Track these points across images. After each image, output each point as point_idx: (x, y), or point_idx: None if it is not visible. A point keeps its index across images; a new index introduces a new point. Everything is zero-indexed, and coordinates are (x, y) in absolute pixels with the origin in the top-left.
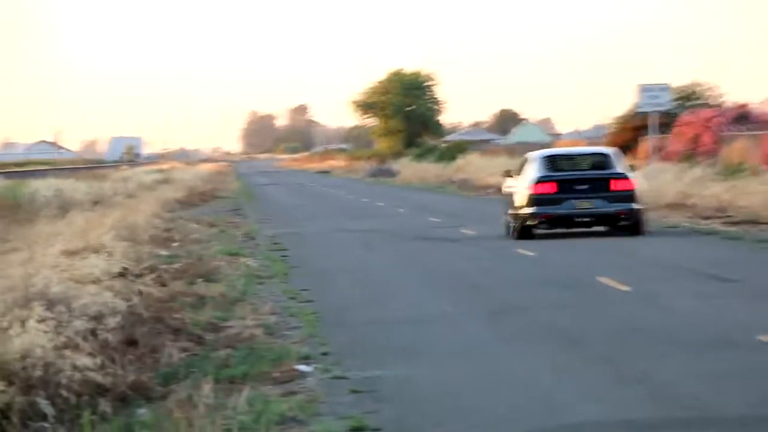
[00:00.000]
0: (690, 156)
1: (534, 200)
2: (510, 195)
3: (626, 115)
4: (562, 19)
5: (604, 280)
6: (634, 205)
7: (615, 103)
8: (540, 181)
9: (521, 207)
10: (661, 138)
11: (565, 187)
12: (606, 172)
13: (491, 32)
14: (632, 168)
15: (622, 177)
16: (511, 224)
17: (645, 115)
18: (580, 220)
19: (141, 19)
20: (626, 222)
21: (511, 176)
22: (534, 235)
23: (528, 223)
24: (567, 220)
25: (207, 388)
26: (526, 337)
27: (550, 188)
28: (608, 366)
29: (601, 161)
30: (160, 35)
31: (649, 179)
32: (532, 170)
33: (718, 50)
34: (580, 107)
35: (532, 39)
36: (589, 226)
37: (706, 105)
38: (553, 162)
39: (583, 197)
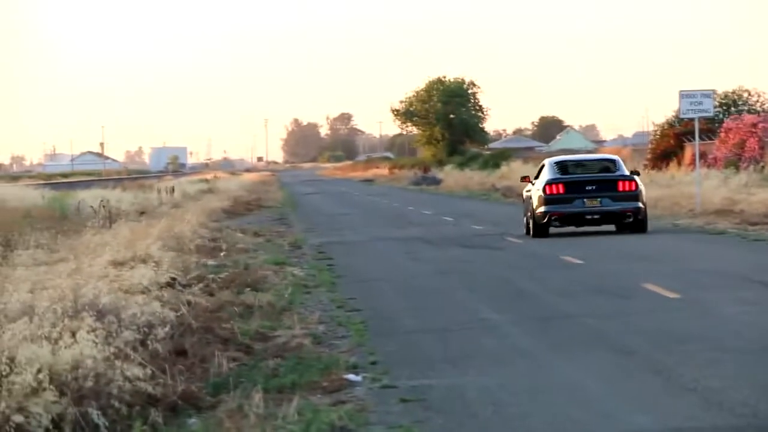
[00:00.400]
0: (735, 162)
1: (546, 200)
2: (528, 198)
3: (669, 121)
4: (607, 25)
5: (651, 286)
6: (639, 204)
7: (661, 110)
8: (550, 182)
9: (536, 207)
10: (705, 144)
11: (575, 187)
12: (613, 175)
13: (535, 38)
14: (635, 173)
15: (628, 179)
16: (530, 223)
17: (687, 121)
18: (589, 217)
19: (185, 30)
20: (631, 219)
21: (529, 181)
22: (549, 233)
23: (543, 221)
24: (577, 218)
25: (257, 397)
26: (574, 345)
27: (559, 189)
28: (658, 374)
29: (609, 166)
30: (203, 46)
31: (694, 186)
32: (545, 174)
33: (762, 56)
34: (626, 113)
35: (578, 45)
36: (598, 224)
37: (753, 111)
38: (563, 167)
39: (592, 196)
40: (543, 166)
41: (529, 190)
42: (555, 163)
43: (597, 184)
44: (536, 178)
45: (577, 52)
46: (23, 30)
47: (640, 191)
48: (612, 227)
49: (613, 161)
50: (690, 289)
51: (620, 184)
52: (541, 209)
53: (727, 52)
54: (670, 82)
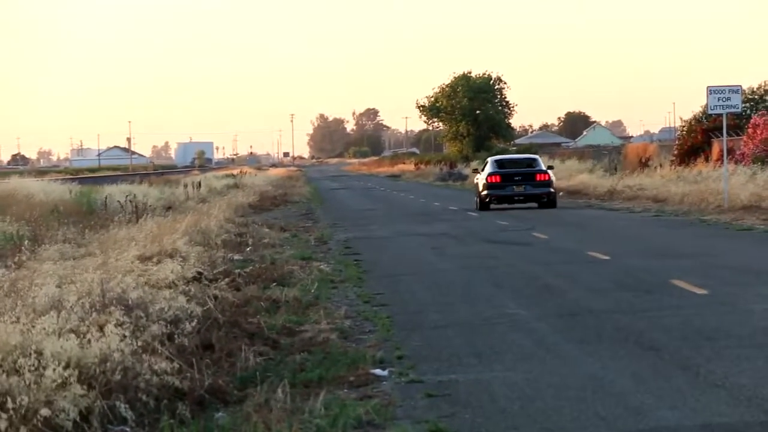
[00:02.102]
0: (763, 158)
1: (488, 186)
2: (476, 184)
3: (696, 117)
4: (634, 20)
5: (679, 282)
6: (551, 189)
7: (689, 105)
8: (491, 174)
9: (481, 191)
10: (733, 140)
11: (507, 178)
12: (533, 169)
13: (561, 34)
14: (550, 168)
15: (544, 172)
16: (477, 202)
17: (715, 117)
18: (517, 198)
19: (211, 26)
20: (545, 200)
21: (478, 172)
22: (490, 207)
23: (485, 201)
24: (509, 199)
25: (283, 392)
26: (601, 341)
27: (497, 178)
28: (686, 370)
29: (531, 163)
30: (228, 40)
31: (722, 182)
32: (488, 168)
33: None
34: (653, 109)
35: (604, 40)
36: (523, 203)
37: None
38: (500, 163)
39: (519, 184)
40: (487, 162)
41: (477, 179)
42: (495, 160)
43: (522, 175)
44: (482, 170)
45: (603, 47)
46: (50, 25)
47: (552, 180)
48: (534, 204)
49: (534, 159)
50: (718, 285)
51: (537, 176)
52: (484, 192)
53: (756, 48)
54: (697, 78)
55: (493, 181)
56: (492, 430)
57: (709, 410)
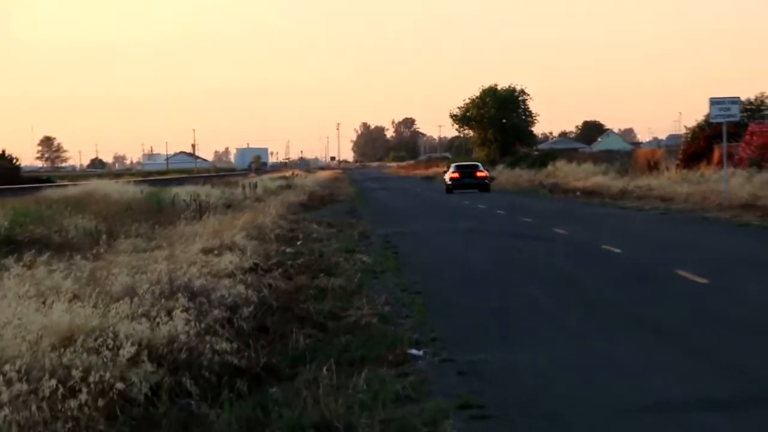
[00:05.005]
0: (759, 162)
1: (451, 179)
2: (445, 178)
3: (700, 125)
4: (646, 37)
5: (684, 273)
6: (485, 181)
7: (693, 114)
8: (453, 171)
9: (448, 181)
10: (732, 146)
11: (462, 174)
12: (476, 169)
13: (580, 49)
14: (487, 169)
15: (482, 170)
16: (445, 188)
17: (716, 125)
18: (468, 185)
19: (264, 42)
20: (483, 186)
21: (446, 171)
22: (452, 192)
23: (450, 187)
24: (462, 186)
25: (329, 370)
26: (616, 326)
27: (456, 174)
28: (694, 352)
29: (476, 165)
30: (281, 56)
31: (722, 183)
32: (451, 169)
33: None
34: (661, 118)
35: (619, 54)
36: (470, 188)
37: None
38: (458, 166)
39: (468, 176)
40: (450, 166)
41: (445, 175)
42: (455, 165)
43: (469, 173)
44: (448, 170)
45: (617, 61)
46: (125, 45)
47: (487, 176)
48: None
49: (477, 165)
50: (718, 275)
51: (477, 173)
52: (449, 182)
53: (755, 60)
54: (701, 89)
55: (454, 176)
56: (517, 403)
57: (714, 386)
